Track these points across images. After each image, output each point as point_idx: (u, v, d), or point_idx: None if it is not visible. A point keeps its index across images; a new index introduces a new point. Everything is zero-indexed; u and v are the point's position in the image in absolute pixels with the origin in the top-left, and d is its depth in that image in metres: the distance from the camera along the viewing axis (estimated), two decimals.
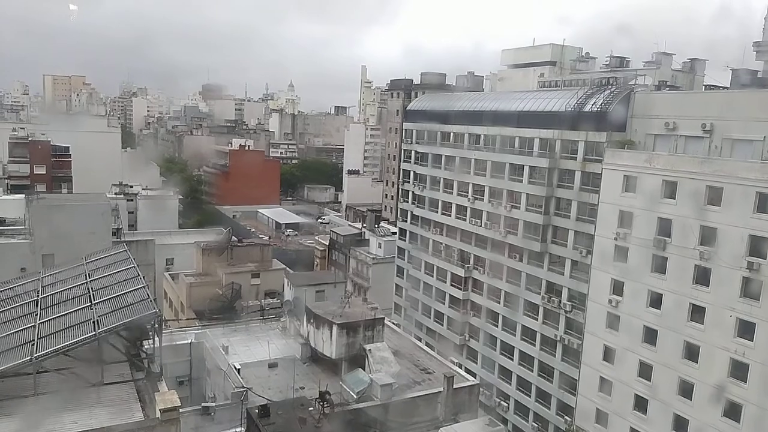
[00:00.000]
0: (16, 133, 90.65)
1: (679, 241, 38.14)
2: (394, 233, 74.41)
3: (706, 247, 36.42)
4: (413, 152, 67.87)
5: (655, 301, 39.88)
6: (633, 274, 41.33)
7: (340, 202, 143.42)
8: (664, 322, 39.24)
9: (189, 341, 36.18)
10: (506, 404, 54.19)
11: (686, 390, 38.01)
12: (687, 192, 37.79)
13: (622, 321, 42.40)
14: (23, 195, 53.42)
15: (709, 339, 36.55)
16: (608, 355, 43.58)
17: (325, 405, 26.39)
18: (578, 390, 46.63)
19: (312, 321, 33.56)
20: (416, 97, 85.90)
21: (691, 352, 37.72)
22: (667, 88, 54.24)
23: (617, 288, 42.73)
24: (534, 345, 51.49)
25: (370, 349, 31.60)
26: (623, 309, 42.22)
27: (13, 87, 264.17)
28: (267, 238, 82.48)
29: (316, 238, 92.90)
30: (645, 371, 40.66)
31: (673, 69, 75.01)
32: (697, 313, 37.31)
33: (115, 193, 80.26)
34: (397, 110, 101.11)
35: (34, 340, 22.30)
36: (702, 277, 36.95)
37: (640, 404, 41.05)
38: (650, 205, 39.97)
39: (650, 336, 40.29)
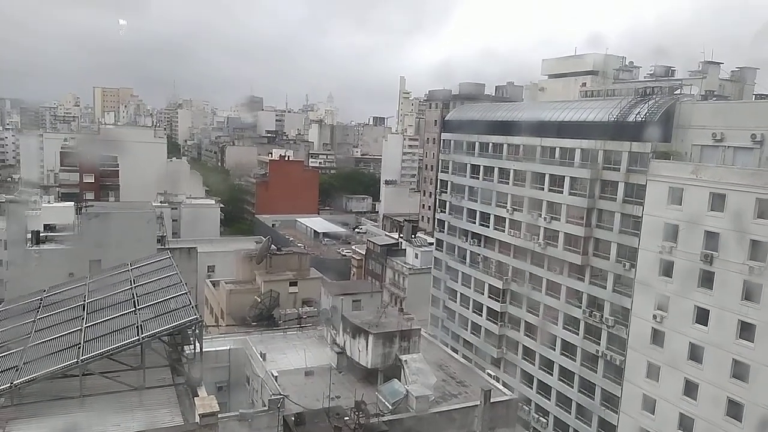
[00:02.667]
0: (67, 143, 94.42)
1: (727, 255, 36.82)
2: (431, 244, 74.11)
3: (756, 262, 35.04)
4: (451, 162, 67.64)
5: (702, 317, 38.54)
6: (678, 289, 40.07)
7: (378, 212, 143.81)
8: (711, 339, 37.86)
9: (228, 347, 36.68)
10: (545, 420, 53.05)
11: (735, 411, 36.50)
12: (735, 205, 36.50)
13: (666, 337, 41.11)
14: (73, 203, 55.40)
15: (760, 358, 35.05)
16: (652, 372, 42.28)
17: (361, 415, 26.33)
18: (620, 407, 45.31)
19: (348, 330, 33.61)
20: (454, 107, 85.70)
21: (740, 372, 36.24)
22: (714, 98, 52.66)
23: (662, 303, 41.49)
24: (575, 360, 50.34)
25: (406, 360, 31.41)
26: (668, 325, 40.93)
27: (65, 99, 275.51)
28: (305, 247, 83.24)
29: (353, 247, 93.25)
30: (691, 390, 39.27)
31: (720, 78, 72.85)
32: (746, 330, 35.89)
33: (161, 202, 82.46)
34: (435, 120, 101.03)
35: (80, 344, 22.97)
36: (752, 293, 35.54)
37: (686, 424, 39.62)
38: (697, 217, 38.75)
39: (696, 353, 38.92)
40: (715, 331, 37.67)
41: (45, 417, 21.17)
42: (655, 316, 41.71)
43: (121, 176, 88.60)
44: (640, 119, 44.95)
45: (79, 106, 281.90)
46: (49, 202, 65.32)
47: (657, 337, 41.93)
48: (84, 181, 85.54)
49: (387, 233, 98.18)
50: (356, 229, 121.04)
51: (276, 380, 31.27)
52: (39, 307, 28.93)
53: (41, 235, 45.71)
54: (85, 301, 27.87)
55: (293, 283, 50.60)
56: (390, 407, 28.95)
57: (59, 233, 47.51)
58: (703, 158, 41.83)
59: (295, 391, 30.52)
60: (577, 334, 50.04)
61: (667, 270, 41.03)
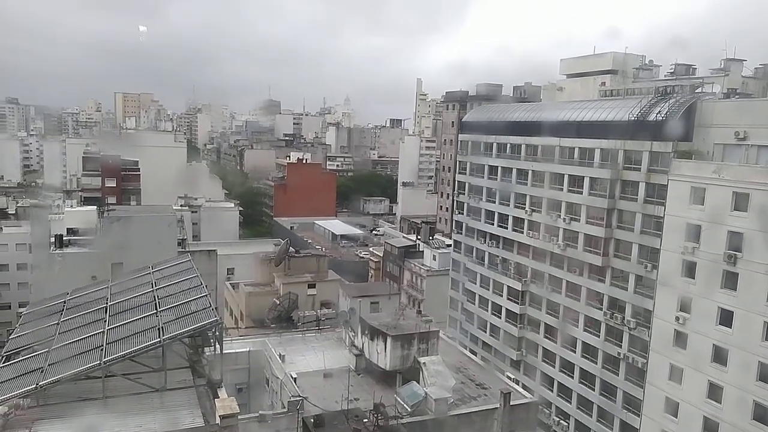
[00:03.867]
0: (89, 148, 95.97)
1: (751, 255, 36.13)
2: (449, 245, 73.87)
3: None
4: (469, 164, 67.37)
5: (726, 318, 37.86)
6: (701, 290, 39.42)
7: (395, 214, 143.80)
8: (736, 341, 37.16)
9: (248, 349, 36.92)
10: (566, 423, 52.50)
11: (762, 415, 35.75)
12: (760, 204, 35.81)
13: (689, 339, 40.46)
14: (95, 207, 56.23)
15: None
16: (675, 374, 41.63)
17: (380, 417, 26.33)
18: (642, 410, 44.70)
19: (366, 332, 33.63)
20: (472, 108, 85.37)
21: (767, 375, 35.51)
22: (737, 96, 51.74)
23: (684, 304, 40.85)
24: (596, 362, 49.78)
25: (424, 362, 31.33)
26: (691, 327, 40.28)
27: (87, 105, 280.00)
28: (323, 249, 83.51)
29: (371, 249, 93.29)
30: (715, 393, 38.58)
31: (743, 76, 71.57)
32: None
33: (181, 205, 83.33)
34: (453, 122, 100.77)
35: (102, 346, 23.32)
36: None
37: (710, 427, 38.90)
38: (719, 218, 38.10)
39: (720, 355, 38.24)
40: (739, 332, 36.98)
41: (69, 418, 21.53)
42: (677, 318, 41.08)
43: (142, 180, 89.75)
44: (660, 118, 44.35)
45: (100, 111, 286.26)
46: (71, 206, 66.44)
47: (679, 339, 41.28)
48: (106, 185, 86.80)
49: (404, 235, 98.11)
50: (374, 231, 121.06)
51: (295, 382, 31.39)
52: (62, 309, 29.43)
53: (64, 238, 46.45)
54: (107, 303, 28.28)
55: (311, 285, 50.77)
56: (409, 409, 28.90)
57: (82, 237, 48.24)
58: (725, 157, 41.15)
59: (314, 392, 30.62)
60: (598, 336, 49.47)
61: (690, 271, 40.40)
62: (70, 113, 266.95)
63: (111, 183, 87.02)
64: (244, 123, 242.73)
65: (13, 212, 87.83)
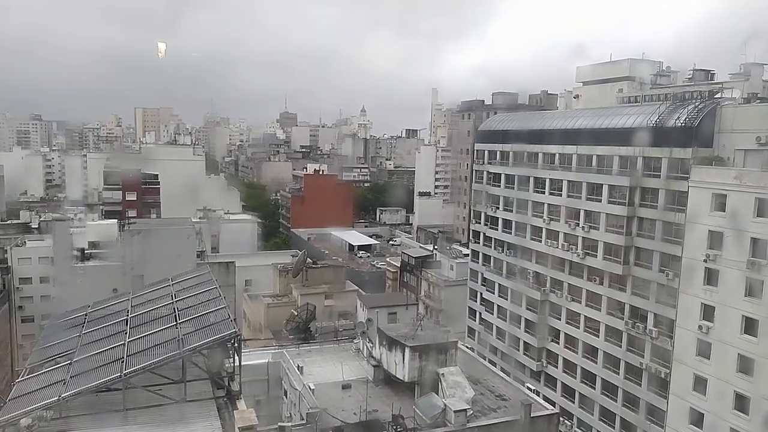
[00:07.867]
0: (110, 162, 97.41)
1: None
2: (466, 255, 73.49)
3: None
4: (485, 173, 67.16)
5: (751, 327, 37.09)
6: (725, 299, 38.71)
7: (412, 223, 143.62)
8: (762, 350, 36.35)
9: (266, 361, 36.98)
10: None
11: None
12: None
13: (713, 348, 39.68)
14: (116, 220, 57.06)
15: None
16: (699, 385, 40.82)
17: (398, 429, 26.17)
18: (666, 422, 43.86)
19: (384, 343, 33.49)
20: (487, 117, 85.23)
21: None
22: (758, 100, 50.94)
23: (708, 313, 40.12)
24: (618, 373, 49.02)
25: (443, 373, 31.07)
26: (715, 335, 39.52)
27: (107, 120, 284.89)
28: (340, 260, 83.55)
29: (388, 259, 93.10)
30: (741, 404, 37.72)
31: (764, 80, 70.48)
32: None
33: (200, 218, 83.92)
34: (468, 131, 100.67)
35: (123, 358, 23.55)
36: None
37: None
38: (742, 224, 37.45)
39: (746, 365, 37.42)
40: (765, 342, 36.18)
41: (91, 429, 21.74)
42: (700, 327, 40.34)
43: (162, 193, 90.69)
44: (679, 124, 43.88)
45: (120, 126, 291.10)
46: (93, 219, 67.45)
47: (703, 349, 40.52)
48: (127, 199, 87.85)
49: (421, 245, 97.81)
50: (390, 241, 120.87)
51: (313, 393, 31.32)
52: (84, 322, 29.81)
53: (86, 252, 47.16)
54: (128, 315, 28.59)
55: (329, 296, 50.77)
56: (428, 421, 28.65)
57: (103, 250, 48.94)
58: (747, 163, 40.53)
59: (332, 404, 30.51)
60: (620, 347, 48.77)
61: (712, 279, 39.71)
62: (91, 128, 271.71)
63: (131, 196, 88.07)
64: (261, 136, 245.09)
65: (36, 226, 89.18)
